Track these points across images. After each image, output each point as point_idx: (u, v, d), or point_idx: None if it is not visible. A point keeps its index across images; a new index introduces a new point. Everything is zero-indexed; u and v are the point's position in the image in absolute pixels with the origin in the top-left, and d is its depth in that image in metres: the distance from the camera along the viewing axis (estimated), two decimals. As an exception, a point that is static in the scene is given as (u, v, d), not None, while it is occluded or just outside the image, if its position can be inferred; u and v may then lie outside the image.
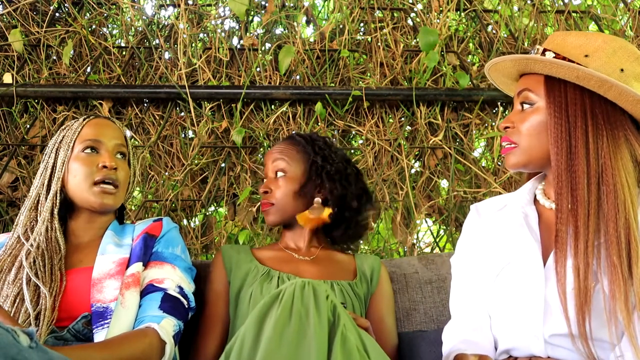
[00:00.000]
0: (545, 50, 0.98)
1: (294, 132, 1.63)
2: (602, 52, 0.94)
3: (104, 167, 1.18)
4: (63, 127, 1.25)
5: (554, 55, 0.96)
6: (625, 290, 0.82)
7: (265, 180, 1.37)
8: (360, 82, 1.98)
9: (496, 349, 1.02)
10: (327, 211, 1.31)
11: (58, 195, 1.17)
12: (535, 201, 1.05)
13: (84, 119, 1.24)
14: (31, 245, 1.09)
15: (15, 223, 1.18)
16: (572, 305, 0.86)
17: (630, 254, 0.84)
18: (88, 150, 1.19)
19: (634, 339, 0.82)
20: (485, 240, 1.08)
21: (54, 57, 2.00)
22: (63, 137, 1.22)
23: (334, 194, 1.32)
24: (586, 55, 0.94)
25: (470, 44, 2.14)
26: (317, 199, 1.32)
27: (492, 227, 1.09)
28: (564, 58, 0.95)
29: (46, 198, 1.17)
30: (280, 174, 1.33)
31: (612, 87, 0.91)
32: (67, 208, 1.20)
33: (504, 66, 1.04)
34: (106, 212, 1.23)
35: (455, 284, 1.12)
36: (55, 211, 1.16)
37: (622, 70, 0.93)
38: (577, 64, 0.93)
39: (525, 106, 1.00)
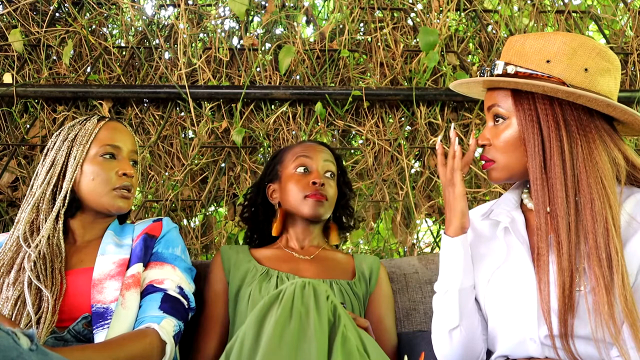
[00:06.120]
0: (506, 63, 0.96)
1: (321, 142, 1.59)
2: (563, 55, 0.91)
3: (124, 174, 1.19)
4: (71, 124, 1.22)
5: (516, 70, 0.94)
6: (609, 300, 0.82)
7: (309, 171, 1.35)
8: (360, 82, 1.98)
9: (491, 353, 1.03)
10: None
11: (68, 195, 1.16)
12: (523, 204, 1.04)
13: (98, 120, 1.22)
14: (36, 246, 1.08)
15: (15, 221, 1.16)
16: (555, 314, 0.87)
17: (612, 264, 0.83)
18: (107, 156, 1.19)
19: (622, 349, 0.81)
20: (473, 248, 1.08)
21: (54, 57, 2.00)
22: (75, 136, 1.19)
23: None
24: (548, 61, 0.92)
25: (470, 44, 2.14)
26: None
27: (478, 234, 1.09)
28: (527, 69, 0.93)
29: (53, 197, 1.16)
30: (330, 174, 1.37)
31: (580, 97, 0.89)
32: (70, 207, 1.18)
33: (469, 84, 1.02)
34: (116, 215, 1.23)
35: None
36: (62, 212, 1.15)
37: (586, 69, 0.91)
38: (540, 72, 0.91)
39: (498, 120, 0.98)
